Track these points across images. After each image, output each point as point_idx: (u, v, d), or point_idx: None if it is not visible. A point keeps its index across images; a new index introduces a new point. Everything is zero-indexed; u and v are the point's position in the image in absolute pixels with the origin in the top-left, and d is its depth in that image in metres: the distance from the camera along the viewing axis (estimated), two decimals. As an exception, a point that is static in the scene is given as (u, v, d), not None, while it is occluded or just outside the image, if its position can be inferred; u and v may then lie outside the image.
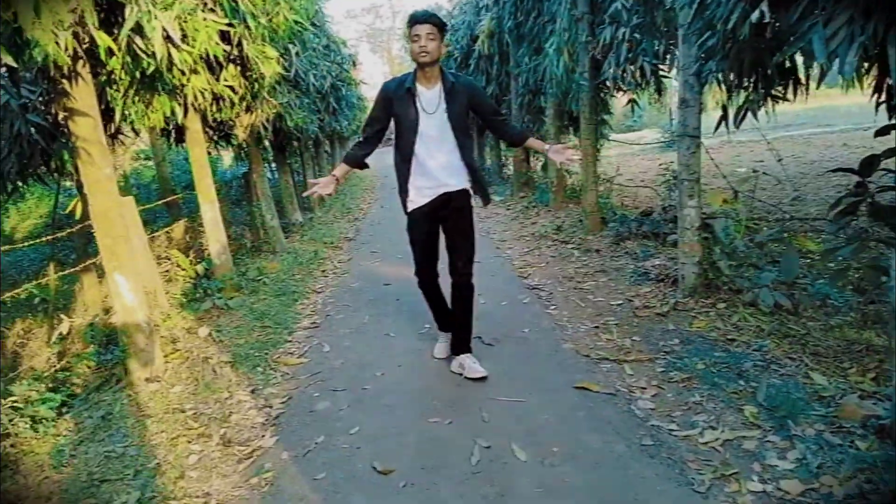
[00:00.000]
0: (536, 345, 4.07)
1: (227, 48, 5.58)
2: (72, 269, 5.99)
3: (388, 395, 3.56)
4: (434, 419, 3.20)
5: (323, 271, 6.88)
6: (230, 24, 5.35)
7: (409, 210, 3.61)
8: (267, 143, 10.44)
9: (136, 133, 5.63)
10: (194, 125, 5.94)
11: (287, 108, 8.13)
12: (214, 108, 6.25)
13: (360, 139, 3.61)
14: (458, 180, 3.54)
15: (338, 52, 11.86)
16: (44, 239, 6.19)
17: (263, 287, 6.10)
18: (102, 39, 3.64)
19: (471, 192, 3.59)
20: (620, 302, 4.67)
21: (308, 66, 8.84)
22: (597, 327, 4.26)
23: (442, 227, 3.64)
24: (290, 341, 4.61)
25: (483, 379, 3.60)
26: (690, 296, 4.50)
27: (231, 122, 7.70)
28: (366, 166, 3.66)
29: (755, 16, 2.55)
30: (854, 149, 13.12)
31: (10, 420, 3.51)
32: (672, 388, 3.33)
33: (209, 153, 9.63)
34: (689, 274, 4.52)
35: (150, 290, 5.38)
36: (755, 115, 3.88)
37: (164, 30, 3.91)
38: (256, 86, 6.25)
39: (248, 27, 5.61)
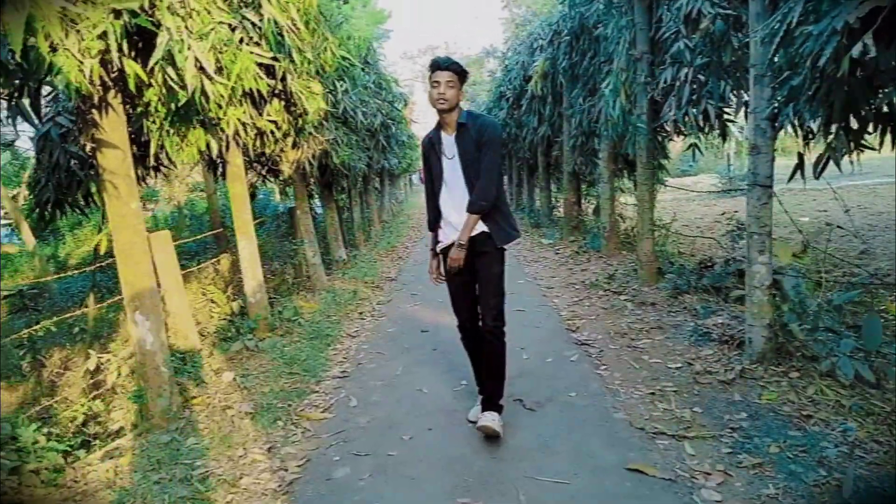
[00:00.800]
0: (584, 412, 3.62)
1: (272, 83, 5.41)
2: (112, 300, 5.82)
3: (414, 464, 3.16)
4: (463, 500, 2.78)
5: (360, 313, 6.57)
6: (274, 59, 5.18)
7: (439, 251, 3.52)
8: (313, 179, 10.33)
9: (174, 165, 5.45)
10: (235, 160, 5.76)
11: (334, 145, 7.95)
12: (258, 143, 6.09)
13: (428, 203, 3.54)
14: (478, 228, 3.33)
15: (389, 91, 11.76)
16: (88, 268, 6.05)
17: (297, 328, 5.81)
18: (131, 67, 3.45)
19: (493, 236, 3.33)
20: (679, 365, 4.19)
21: (357, 103, 8.69)
22: (652, 394, 3.79)
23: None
24: (316, 392, 4.27)
25: (495, 437, 3.28)
26: (759, 362, 3.99)
27: (277, 158, 7.56)
28: None
29: (857, 50, 2.14)
30: (923, 203, 12.36)
31: (14, 468, 3.24)
32: (741, 474, 2.85)
33: (256, 187, 9.56)
34: (758, 337, 4.02)
35: (181, 329, 5.14)
36: (838, 165, 3.42)
37: (198, 60, 3.71)
38: (301, 121, 6.06)
39: (293, 61, 5.43)
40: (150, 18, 3.40)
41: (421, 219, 17.35)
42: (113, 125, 3.79)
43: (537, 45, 10.71)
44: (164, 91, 3.90)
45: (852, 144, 3.17)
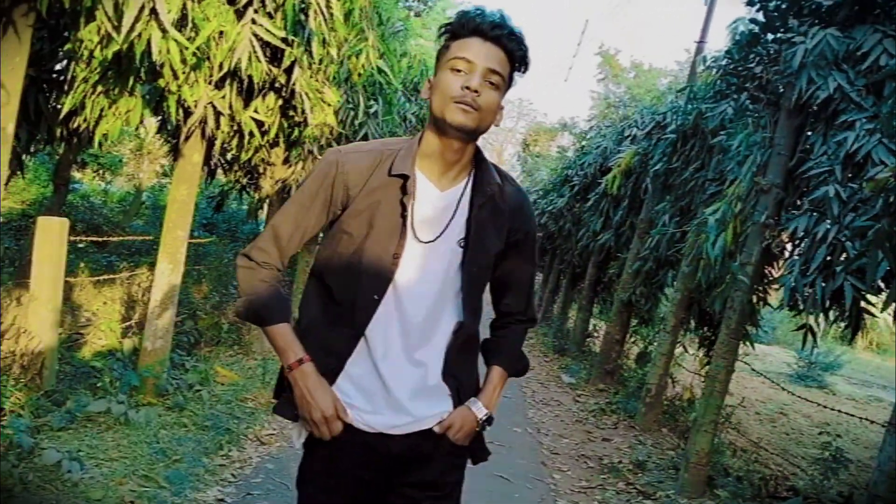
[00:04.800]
0: None
1: (273, 71, 4.77)
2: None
3: None
4: None
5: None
6: (285, 41, 4.57)
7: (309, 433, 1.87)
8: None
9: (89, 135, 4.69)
10: (192, 155, 5.03)
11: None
12: (233, 144, 5.43)
13: (254, 260, 1.84)
14: (441, 410, 1.90)
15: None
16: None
17: (195, 404, 4.94)
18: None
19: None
20: None
21: (386, 133, 8.05)
22: None
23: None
24: (165, 526, 3.37)
25: None
26: None
27: (259, 170, 6.93)
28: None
29: None
30: None
31: None
32: None
33: (227, 194, 8.89)
34: None
35: (28, 359, 4.34)
36: None
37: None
38: (297, 132, 5.40)
39: (309, 52, 4.80)
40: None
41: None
42: (9, 52, 3.09)
43: (629, 134, 10.11)
44: (105, 31, 3.21)
45: None
